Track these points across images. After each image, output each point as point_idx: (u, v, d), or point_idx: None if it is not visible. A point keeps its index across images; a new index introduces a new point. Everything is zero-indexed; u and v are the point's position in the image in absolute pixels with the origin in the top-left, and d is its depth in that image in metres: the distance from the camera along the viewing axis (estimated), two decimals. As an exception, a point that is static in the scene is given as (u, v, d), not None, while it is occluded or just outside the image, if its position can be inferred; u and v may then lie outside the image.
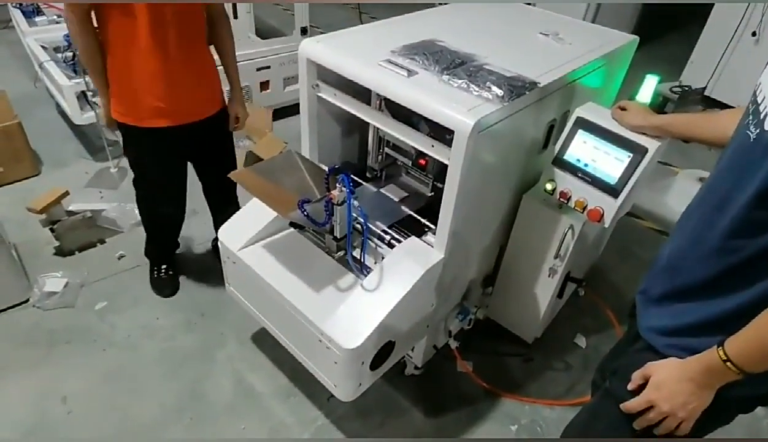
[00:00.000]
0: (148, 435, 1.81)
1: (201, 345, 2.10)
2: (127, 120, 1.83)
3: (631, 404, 1.01)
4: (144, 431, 1.82)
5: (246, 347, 2.11)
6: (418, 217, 1.75)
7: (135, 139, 1.91)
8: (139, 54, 1.69)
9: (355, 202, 1.45)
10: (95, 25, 1.70)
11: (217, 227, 2.43)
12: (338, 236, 1.57)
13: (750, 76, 3.66)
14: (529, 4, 2.32)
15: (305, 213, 1.40)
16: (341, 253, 1.60)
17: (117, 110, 1.83)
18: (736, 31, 3.79)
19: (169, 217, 2.22)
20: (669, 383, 0.95)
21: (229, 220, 1.76)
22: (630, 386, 1.03)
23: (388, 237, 1.65)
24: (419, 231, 1.69)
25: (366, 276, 1.49)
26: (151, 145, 1.91)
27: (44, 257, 2.44)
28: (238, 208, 1.80)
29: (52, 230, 2.39)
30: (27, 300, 2.21)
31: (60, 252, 2.45)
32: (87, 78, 2.73)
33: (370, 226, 1.66)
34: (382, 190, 1.89)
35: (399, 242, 1.61)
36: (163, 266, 2.33)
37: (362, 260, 1.56)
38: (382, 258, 1.54)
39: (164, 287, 2.31)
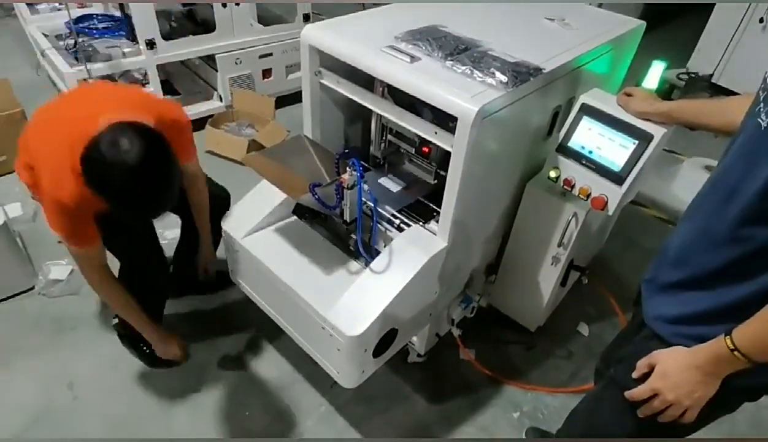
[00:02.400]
0: (153, 421, 1.83)
1: (205, 332, 2.11)
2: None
3: (636, 392, 1.01)
4: (149, 417, 1.83)
5: (250, 334, 2.12)
6: (427, 202, 1.74)
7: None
8: None
9: (365, 187, 1.45)
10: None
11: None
12: (348, 220, 1.57)
13: (758, 63, 3.61)
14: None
15: (316, 196, 1.40)
16: (352, 235, 1.59)
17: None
18: (743, 17, 3.73)
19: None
20: (675, 372, 0.94)
21: (232, 208, 1.76)
22: (635, 374, 1.02)
23: (397, 221, 1.64)
24: (428, 216, 1.68)
25: (373, 260, 1.49)
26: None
27: (49, 245, 2.44)
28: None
29: (56, 218, 2.40)
30: (32, 287, 2.22)
31: (64, 240, 2.46)
32: (89, 65, 2.73)
33: (380, 210, 1.66)
34: (388, 177, 1.89)
35: (408, 226, 1.61)
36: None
37: (372, 243, 1.56)
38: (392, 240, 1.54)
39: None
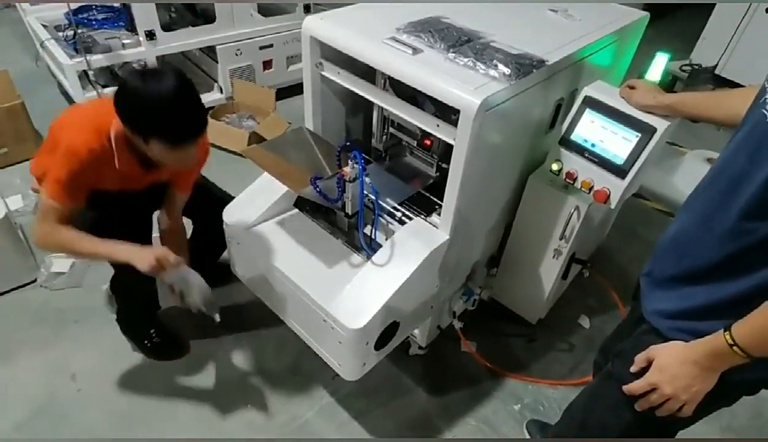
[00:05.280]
0: (156, 413, 1.84)
1: (208, 324, 2.12)
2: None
3: (634, 387, 1.01)
4: (152, 409, 1.84)
5: (251, 326, 2.12)
6: (429, 195, 1.74)
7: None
8: None
9: (367, 179, 1.45)
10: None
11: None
12: (350, 213, 1.57)
13: (762, 55, 3.57)
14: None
15: (318, 189, 1.39)
16: (354, 228, 1.60)
17: None
18: (748, 8, 3.70)
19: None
20: (672, 366, 0.95)
21: (234, 200, 1.76)
22: (633, 369, 1.03)
23: (399, 214, 1.64)
24: (430, 209, 1.68)
25: (374, 253, 1.49)
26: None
27: (50, 238, 2.44)
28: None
29: (57, 211, 2.40)
30: (34, 280, 2.23)
31: (66, 232, 2.46)
32: (88, 56, 2.71)
33: (381, 203, 1.66)
34: (389, 170, 1.88)
35: (410, 219, 1.60)
36: (152, 331, 1.98)
37: (373, 237, 1.56)
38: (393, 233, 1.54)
39: (171, 348, 1.92)
